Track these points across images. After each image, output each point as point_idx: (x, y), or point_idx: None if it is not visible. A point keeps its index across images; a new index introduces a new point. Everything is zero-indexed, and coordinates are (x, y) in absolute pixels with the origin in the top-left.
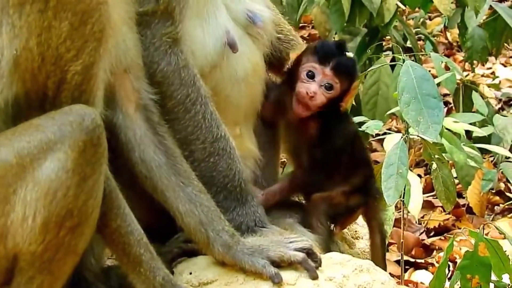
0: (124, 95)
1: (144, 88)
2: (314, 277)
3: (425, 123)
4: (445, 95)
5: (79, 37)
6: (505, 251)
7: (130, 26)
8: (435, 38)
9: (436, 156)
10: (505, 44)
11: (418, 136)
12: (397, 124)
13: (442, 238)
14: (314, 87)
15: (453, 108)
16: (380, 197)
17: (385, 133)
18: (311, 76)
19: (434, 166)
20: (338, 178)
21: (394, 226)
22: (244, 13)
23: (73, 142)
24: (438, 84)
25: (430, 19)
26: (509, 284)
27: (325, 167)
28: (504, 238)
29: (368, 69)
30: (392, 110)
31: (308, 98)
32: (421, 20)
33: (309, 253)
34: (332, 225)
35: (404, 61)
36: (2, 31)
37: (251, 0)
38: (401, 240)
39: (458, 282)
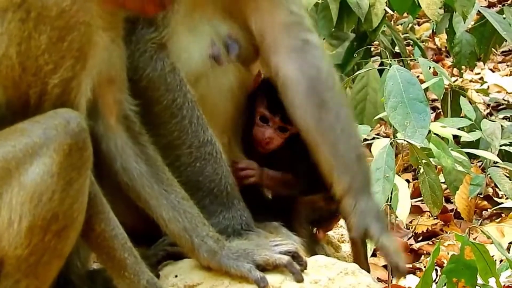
0: (106, 106)
1: (126, 99)
2: (299, 280)
3: (412, 127)
4: (433, 100)
5: (57, 52)
6: (493, 256)
7: (117, 43)
8: (424, 43)
9: (423, 160)
10: (493, 50)
11: (405, 140)
12: (385, 130)
13: (430, 243)
14: (269, 132)
15: (441, 113)
16: None
17: (374, 139)
18: (264, 120)
19: (422, 170)
20: (322, 183)
21: None
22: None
23: (58, 145)
24: (426, 89)
25: (419, 24)
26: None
27: (310, 176)
28: (492, 243)
29: (356, 73)
30: (380, 115)
31: (265, 142)
32: (410, 25)
33: (295, 256)
34: (315, 229)
35: (391, 65)
36: None
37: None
38: None
39: (445, 287)
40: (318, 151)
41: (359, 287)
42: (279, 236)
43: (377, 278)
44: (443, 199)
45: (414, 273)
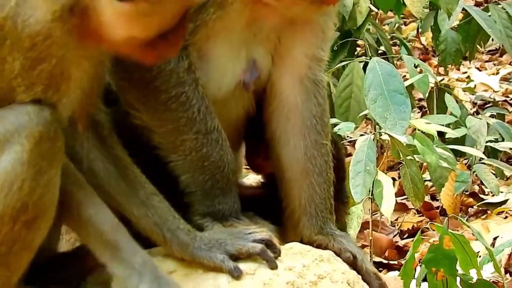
0: (77, 116)
1: (99, 107)
2: (273, 267)
3: (392, 120)
4: (420, 99)
5: (28, 77)
6: (478, 252)
7: (102, 62)
8: (411, 43)
9: (405, 154)
10: (480, 49)
11: (385, 133)
12: (371, 128)
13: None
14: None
15: (428, 111)
16: (347, 201)
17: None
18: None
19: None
20: None
21: (368, 228)
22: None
23: (30, 132)
24: (412, 88)
25: (406, 24)
26: (475, 279)
27: None
28: (476, 239)
29: (336, 66)
30: (364, 112)
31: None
32: (397, 25)
33: (268, 244)
34: None
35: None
36: None
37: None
38: (370, 238)
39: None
40: (294, 187)
41: (334, 274)
42: (254, 224)
43: None
44: (429, 196)
45: (399, 270)
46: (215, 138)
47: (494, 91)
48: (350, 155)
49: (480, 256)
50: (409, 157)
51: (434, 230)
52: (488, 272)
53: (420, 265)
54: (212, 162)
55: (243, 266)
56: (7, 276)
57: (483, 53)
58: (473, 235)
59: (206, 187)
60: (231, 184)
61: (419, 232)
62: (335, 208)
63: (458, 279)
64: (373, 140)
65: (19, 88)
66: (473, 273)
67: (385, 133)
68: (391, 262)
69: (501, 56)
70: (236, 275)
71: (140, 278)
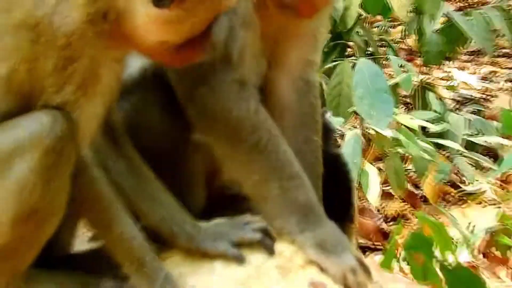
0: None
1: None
2: (272, 253)
3: (377, 116)
4: (404, 96)
5: (60, 77)
6: (458, 239)
7: (123, 63)
8: (397, 45)
9: (389, 147)
10: (461, 50)
11: (372, 128)
12: (359, 123)
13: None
14: None
15: (413, 108)
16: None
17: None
18: None
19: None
20: None
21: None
22: None
23: (39, 143)
24: (398, 86)
25: (393, 27)
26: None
27: None
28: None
29: (327, 66)
30: (353, 108)
31: None
32: (385, 28)
33: (266, 232)
34: None
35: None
36: None
37: None
38: (357, 223)
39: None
40: None
41: None
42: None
43: None
44: (412, 185)
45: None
46: (298, 183)
47: (473, 89)
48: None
49: (457, 242)
50: (392, 150)
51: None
52: (465, 256)
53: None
54: (300, 204)
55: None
56: (14, 268)
57: (463, 54)
58: (442, 213)
59: (299, 226)
60: (324, 218)
61: (400, 220)
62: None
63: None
64: (361, 134)
65: (50, 88)
66: (450, 257)
67: (371, 128)
68: (377, 245)
69: (480, 57)
70: (241, 260)
71: None
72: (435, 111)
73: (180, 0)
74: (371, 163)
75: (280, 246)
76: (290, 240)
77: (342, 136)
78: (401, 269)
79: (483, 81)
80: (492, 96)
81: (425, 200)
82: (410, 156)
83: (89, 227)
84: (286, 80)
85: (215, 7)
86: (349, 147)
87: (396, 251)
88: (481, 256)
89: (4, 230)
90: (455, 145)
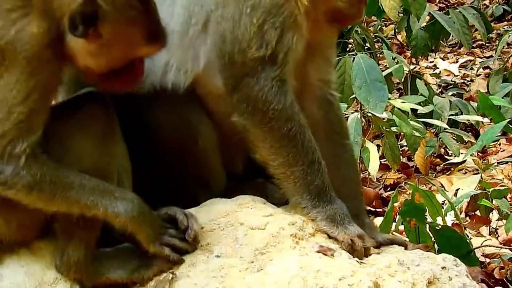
0: None
1: None
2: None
3: (373, 102)
4: (397, 83)
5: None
6: (444, 201)
7: None
8: (390, 40)
9: (385, 127)
10: (443, 43)
11: (369, 112)
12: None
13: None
14: None
15: (404, 93)
16: None
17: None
18: None
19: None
20: None
21: None
22: None
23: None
24: (391, 75)
25: (386, 25)
26: (440, 224)
27: None
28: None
29: None
30: (353, 96)
31: None
32: (379, 26)
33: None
34: None
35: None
36: None
37: None
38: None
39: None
40: None
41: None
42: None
43: None
44: (406, 158)
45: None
46: (317, 168)
47: (454, 75)
48: None
49: (444, 206)
50: (388, 129)
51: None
52: (449, 218)
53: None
54: (316, 185)
55: (258, 223)
56: (87, 238)
57: (445, 46)
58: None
59: (311, 203)
60: (334, 197)
61: (396, 190)
62: None
63: (427, 226)
64: (360, 117)
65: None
66: (440, 220)
67: (369, 112)
68: (378, 210)
69: (459, 48)
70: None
71: None
72: (423, 95)
73: (96, 35)
74: (371, 141)
75: (293, 218)
76: (305, 213)
77: (346, 119)
78: (397, 230)
79: (462, 68)
80: (470, 81)
81: (417, 170)
82: (403, 134)
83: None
84: (311, 101)
85: (131, 52)
86: (351, 128)
87: (393, 215)
88: (467, 217)
89: None
90: (441, 124)
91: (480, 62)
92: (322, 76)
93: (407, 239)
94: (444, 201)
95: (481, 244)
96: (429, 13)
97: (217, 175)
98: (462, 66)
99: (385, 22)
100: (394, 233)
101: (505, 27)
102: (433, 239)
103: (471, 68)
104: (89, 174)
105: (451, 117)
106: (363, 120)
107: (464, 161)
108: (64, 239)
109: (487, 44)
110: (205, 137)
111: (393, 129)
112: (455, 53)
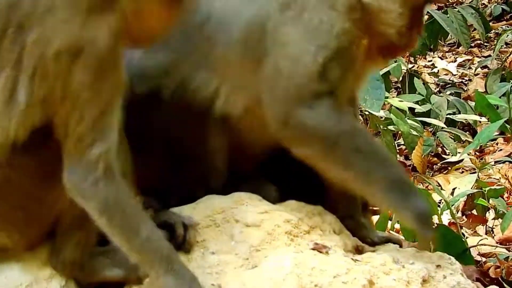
0: None
1: None
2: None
3: (371, 100)
4: (395, 82)
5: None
6: (440, 200)
7: None
8: None
9: (382, 126)
10: (441, 42)
11: (366, 110)
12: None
13: None
14: None
15: (402, 91)
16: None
17: None
18: None
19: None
20: None
21: None
22: None
23: None
24: (389, 73)
25: None
26: (436, 223)
27: None
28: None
29: None
30: None
31: None
32: None
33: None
34: None
35: None
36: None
37: None
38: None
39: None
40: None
41: (323, 225)
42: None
43: None
44: (403, 157)
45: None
46: (391, 164)
47: (452, 74)
48: None
49: (441, 205)
50: (385, 128)
51: None
52: (445, 217)
53: None
54: (397, 181)
55: (253, 220)
56: (86, 237)
57: (444, 45)
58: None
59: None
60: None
61: None
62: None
63: None
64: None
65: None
66: (436, 219)
67: (366, 110)
68: (374, 208)
69: (458, 47)
70: None
71: None
72: (421, 94)
73: None
74: None
75: (289, 215)
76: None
77: None
78: (393, 229)
79: (460, 67)
80: (468, 80)
81: (414, 169)
82: (400, 132)
83: (111, 235)
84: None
85: None
86: None
87: (389, 214)
88: (463, 216)
89: None
90: (438, 122)
91: (478, 62)
92: (350, 93)
93: (403, 238)
94: (440, 200)
95: (477, 243)
96: (428, 12)
97: (219, 176)
98: (460, 65)
99: None
100: (390, 231)
101: (504, 26)
102: None
103: (469, 68)
104: None
105: (448, 116)
106: (360, 118)
107: (461, 160)
108: (61, 239)
109: (485, 44)
110: (215, 138)
111: (390, 127)
112: (454, 52)
